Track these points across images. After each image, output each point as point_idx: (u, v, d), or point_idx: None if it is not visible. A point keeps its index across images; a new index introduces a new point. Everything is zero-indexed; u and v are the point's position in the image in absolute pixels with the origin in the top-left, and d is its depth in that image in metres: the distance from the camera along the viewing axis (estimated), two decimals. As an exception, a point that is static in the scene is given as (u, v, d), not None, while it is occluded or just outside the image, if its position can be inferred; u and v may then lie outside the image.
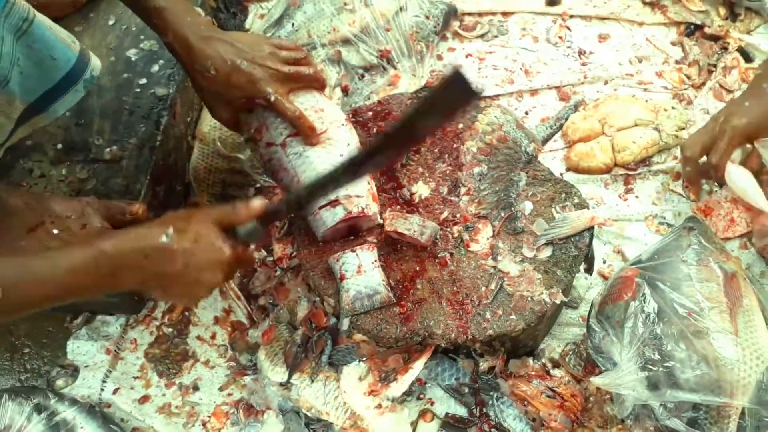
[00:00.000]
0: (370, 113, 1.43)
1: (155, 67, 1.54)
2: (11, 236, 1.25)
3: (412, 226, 1.24)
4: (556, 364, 1.38)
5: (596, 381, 1.21)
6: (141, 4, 1.17)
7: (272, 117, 1.24)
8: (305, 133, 1.21)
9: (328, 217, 1.23)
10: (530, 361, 1.35)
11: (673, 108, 1.62)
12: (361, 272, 1.22)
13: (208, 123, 1.61)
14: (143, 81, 1.52)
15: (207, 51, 1.17)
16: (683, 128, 1.60)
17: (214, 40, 1.19)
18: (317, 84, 1.28)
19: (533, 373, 1.34)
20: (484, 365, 1.31)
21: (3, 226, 1.25)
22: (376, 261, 1.24)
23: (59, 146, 1.45)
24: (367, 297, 1.22)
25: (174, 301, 1.48)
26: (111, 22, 1.61)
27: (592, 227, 1.27)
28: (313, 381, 1.32)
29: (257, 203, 1.10)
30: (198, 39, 1.18)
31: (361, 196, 1.24)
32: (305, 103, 1.24)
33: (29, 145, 1.44)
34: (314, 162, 1.22)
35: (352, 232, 1.29)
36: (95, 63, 0.99)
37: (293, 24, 1.71)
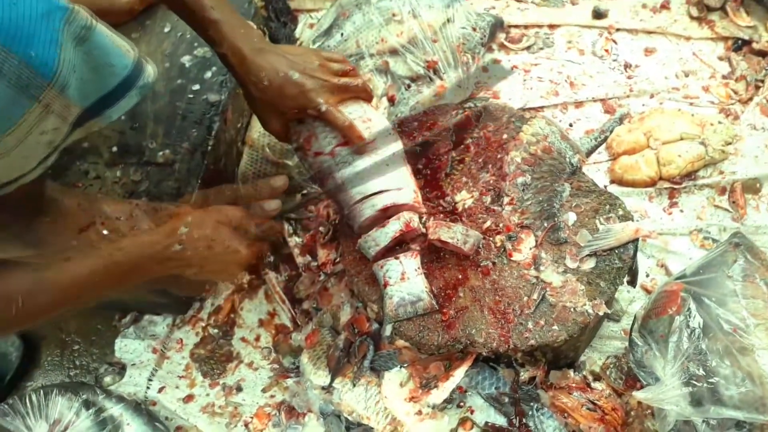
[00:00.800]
0: (416, 123, 1.45)
1: (208, 74, 1.58)
2: (64, 236, 1.30)
3: (455, 235, 1.25)
4: (597, 377, 1.37)
5: (639, 395, 1.20)
6: (196, 16, 1.21)
7: (321, 127, 1.27)
8: (354, 143, 1.24)
9: (367, 209, 1.25)
10: (571, 372, 1.35)
11: (719, 123, 1.60)
12: (405, 279, 1.24)
13: (257, 129, 1.64)
14: (196, 87, 1.56)
15: (260, 63, 1.21)
16: (729, 143, 1.59)
17: (266, 52, 1.22)
18: (365, 95, 1.31)
19: (574, 385, 1.34)
20: (524, 375, 1.31)
21: (57, 225, 1.29)
22: (419, 268, 1.25)
23: (114, 149, 1.49)
24: (410, 304, 1.24)
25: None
26: (166, 30, 1.65)
27: (637, 239, 1.27)
28: (354, 385, 1.33)
29: (281, 181, 1.17)
30: (251, 51, 1.21)
31: (401, 187, 1.26)
32: (353, 113, 1.26)
33: (85, 148, 1.48)
34: (361, 171, 1.24)
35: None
36: (150, 70, 1.02)
37: (342, 34, 1.74)
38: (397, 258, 1.25)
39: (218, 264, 1.11)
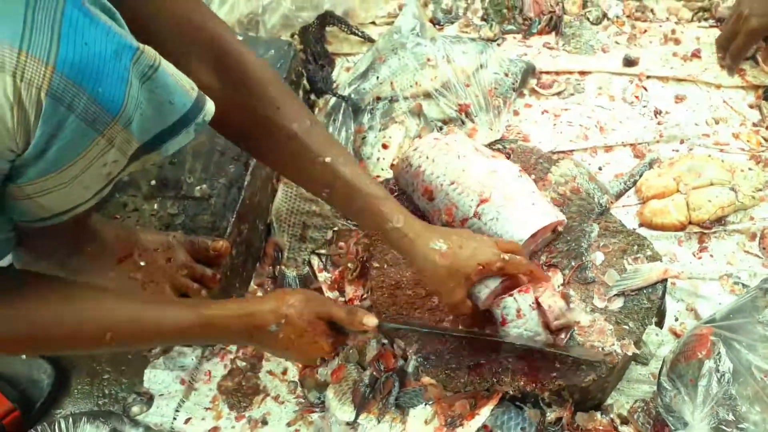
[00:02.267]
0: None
1: (246, 111, 1.61)
2: (103, 266, 1.34)
3: (554, 307, 1.23)
4: (625, 421, 1.36)
5: (666, 439, 1.19)
6: (372, 208, 1.20)
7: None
8: (544, 280, 1.25)
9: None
10: (598, 415, 1.34)
11: (750, 169, 1.61)
12: (521, 316, 1.22)
13: (292, 166, 1.68)
14: (235, 124, 1.60)
15: (435, 233, 1.21)
16: (760, 189, 1.59)
17: (433, 227, 1.25)
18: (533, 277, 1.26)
19: (601, 428, 1.32)
20: (551, 416, 1.29)
21: (97, 256, 1.33)
22: (533, 303, 1.22)
23: (153, 182, 1.53)
24: (529, 340, 1.23)
25: None
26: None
27: (665, 280, 1.27)
28: (379, 422, 1.33)
29: (371, 322, 1.19)
30: (423, 225, 1.22)
31: None
32: None
33: (126, 181, 1.53)
34: (509, 220, 1.28)
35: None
36: (209, 108, 1.04)
37: (377, 77, 1.78)
38: (511, 295, 1.22)
39: (301, 351, 1.19)
